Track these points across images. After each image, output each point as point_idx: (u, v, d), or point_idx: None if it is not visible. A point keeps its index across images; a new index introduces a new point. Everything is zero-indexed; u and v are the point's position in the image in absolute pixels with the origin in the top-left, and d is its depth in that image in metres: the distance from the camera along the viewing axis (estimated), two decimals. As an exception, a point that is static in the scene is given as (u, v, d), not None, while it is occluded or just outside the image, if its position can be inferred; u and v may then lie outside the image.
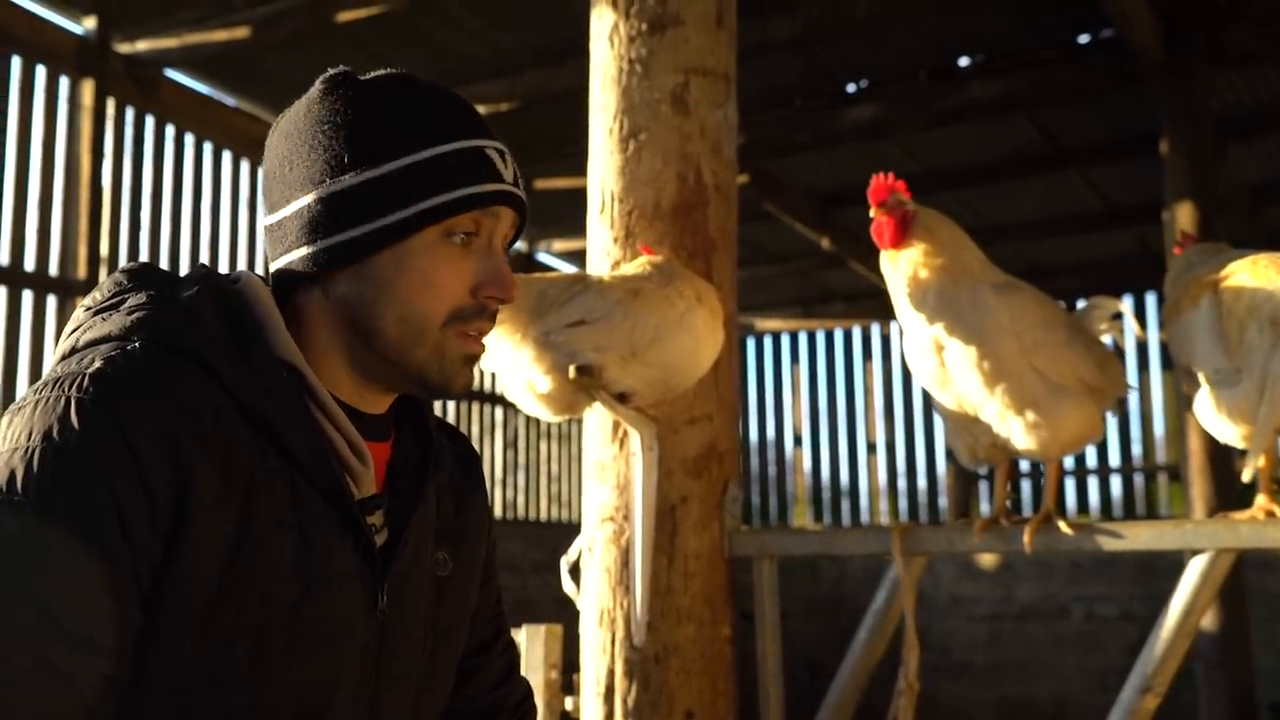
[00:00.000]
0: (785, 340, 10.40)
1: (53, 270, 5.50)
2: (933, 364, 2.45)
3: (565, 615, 2.72)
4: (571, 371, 2.24)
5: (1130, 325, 2.66)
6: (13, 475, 1.06)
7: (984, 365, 2.36)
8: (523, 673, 2.68)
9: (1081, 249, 8.72)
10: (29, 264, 5.41)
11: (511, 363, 2.30)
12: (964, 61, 6.24)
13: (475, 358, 1.30)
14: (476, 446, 8.13)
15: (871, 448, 9.86)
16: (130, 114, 5.97)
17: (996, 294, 2.38)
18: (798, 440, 10.28)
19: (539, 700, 2.64)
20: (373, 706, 1.27)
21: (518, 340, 2.27)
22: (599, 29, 2.77)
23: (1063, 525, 2.44)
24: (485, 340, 1.31)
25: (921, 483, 9.63)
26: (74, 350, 1.20)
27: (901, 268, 2.44)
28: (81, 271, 5.51)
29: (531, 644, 2.69)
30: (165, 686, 1.13)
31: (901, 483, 9.73)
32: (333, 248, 1.24)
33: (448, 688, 1.42)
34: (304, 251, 1.26)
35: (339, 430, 1.25)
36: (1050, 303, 2.49)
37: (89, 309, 1.24)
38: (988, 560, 8.57)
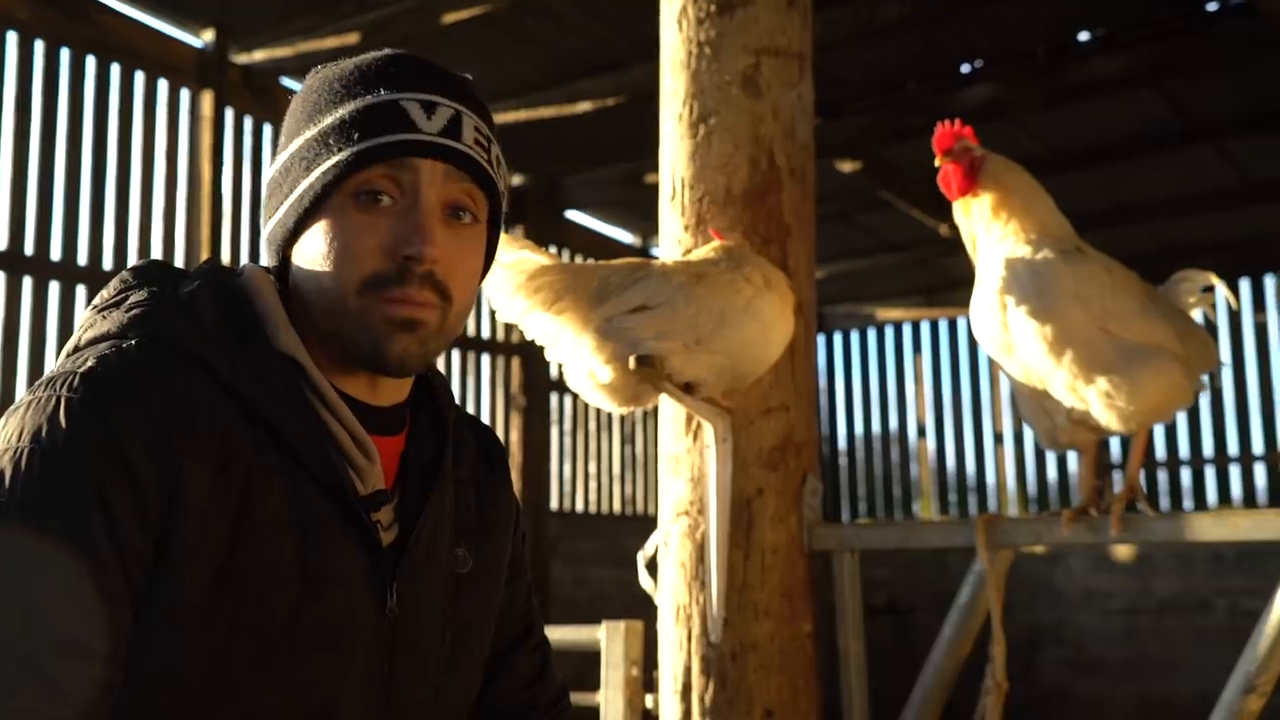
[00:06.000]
0: (907, 329, 10.15)
1: (175, 276, 5.68)
2: (996, 325, 2.31)
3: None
4: (631, 362, 2.18)
5: (1226, 298, 2.48)
6: (1, 476, 1.06)
7: (1045, 331, 2.21)
8: (603, 670, 2.66)
9: (1219, 227, 8.30)
10: (153, 270, 5.59)
11: (573, 352, 2.25)
12: (1084, 36, 5.99)
13: (409, 323, 1.18)
14: (595, 440, 8.09)
15: (999, 439, 9.55)
16: (248, 123, 6.12)
17: (1062, 260, 2.23)
18: (921, 431, 10.03)
19: (619, 697, 2.61)
20: (386, 706, 1.23)
21: (579, 329, 2.21)
22: (668, 13, 2.71)
23: (1144, 507, 2.29)
24: (423, 309, 1.19)
25: (1052, 474, 9.27)
26: (76, 349, 1.20)
27: (975, 218, 2.32)
28: (203, 276, 5.66)
29: (611, 641, 2.65)
30: (165, 685, 1.11)
31: (1031, 476, 9.40)
32: (270, 234, 1.25)
33: (473, 686, 1.38)
34: (264, 243, 1.26)
35: (342, 424, 1.22)
36: (1123, 271, 2.33)
37: (95, 307, 1.24)
38: (1123, 552, 8.24)
